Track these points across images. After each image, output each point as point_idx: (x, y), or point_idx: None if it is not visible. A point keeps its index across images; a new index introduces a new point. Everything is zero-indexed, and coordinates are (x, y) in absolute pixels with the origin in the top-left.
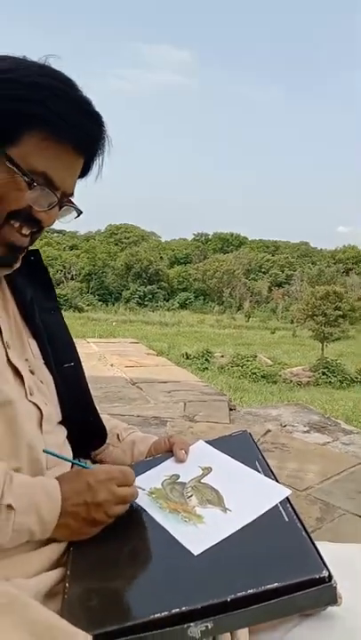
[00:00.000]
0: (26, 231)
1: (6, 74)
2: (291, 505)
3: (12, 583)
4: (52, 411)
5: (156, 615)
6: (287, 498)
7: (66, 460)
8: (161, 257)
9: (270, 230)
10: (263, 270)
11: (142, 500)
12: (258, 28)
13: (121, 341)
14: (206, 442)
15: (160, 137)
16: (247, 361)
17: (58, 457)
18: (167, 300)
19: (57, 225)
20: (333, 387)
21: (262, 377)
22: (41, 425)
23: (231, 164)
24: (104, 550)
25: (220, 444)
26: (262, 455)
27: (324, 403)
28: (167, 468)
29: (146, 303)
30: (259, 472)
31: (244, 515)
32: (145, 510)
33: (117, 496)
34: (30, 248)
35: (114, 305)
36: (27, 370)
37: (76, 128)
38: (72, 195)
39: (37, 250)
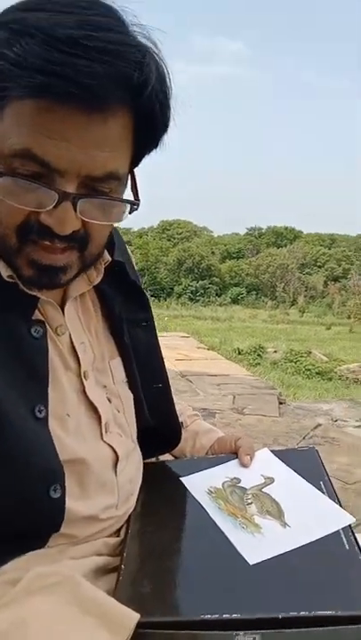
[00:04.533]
0: (46, 245)
1: None
2: (353, 533)
3: (62, 563)
4: (128, 443)
5: (207, 617)
6: (349, 525)
7: None
8: (213, 252)
9: (327, 223)
10: (319, 264)
11: (202, 497)
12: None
13: (172, 335)
14: (272, 451)
15: (212, 131)
16: (301, 357)
17: None
18: (219, 296)
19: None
20: None
21: (317, 373)
22: (115, 467)
23: (287, 156)
24: (161, 541)
25: (285, 456)
26: (328, 477)
27: None
28: (229, 469)
29: (198, 298)
30: (323, 493)
31: (303, 534)
32: (204, 508)
33: None
34: (116, 258)
35: (166, 300)
36: (104, 400)
37: (42, 73)
38: (111, 177)
39: (121, 262)
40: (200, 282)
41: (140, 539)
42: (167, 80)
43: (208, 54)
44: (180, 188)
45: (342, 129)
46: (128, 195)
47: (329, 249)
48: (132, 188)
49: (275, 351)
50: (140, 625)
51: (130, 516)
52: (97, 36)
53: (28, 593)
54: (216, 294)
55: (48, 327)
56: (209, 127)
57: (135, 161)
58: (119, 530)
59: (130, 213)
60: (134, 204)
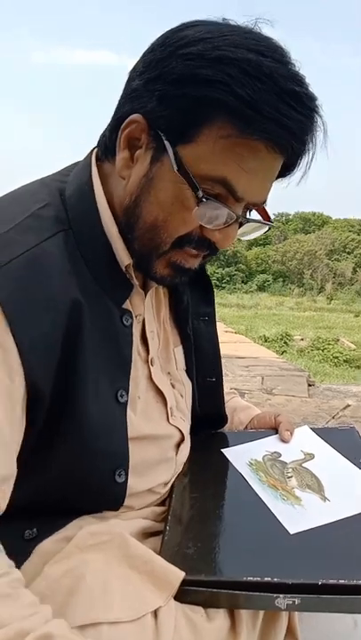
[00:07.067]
0: (194, 252)
1: (191, 46)
2: None
3: (112, 522)
4: (188, 426)
5: (249, 578)
6: None
7: None
8: (239, 239)
9: (356, 209)
10: (348, 251)
11: (243, 469)
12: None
13: None
14: (311, 429)
15: None
16: (328, 344)
17: None
18: (245, 283)
19: None
20: None
21: (345, 361)
22: (178, 447)
23: None
24: (204, 506)
25: (325, 433)
26: None
27: None
28: (269, 444)
29: (223, 285)
30: None
31: (342, 508)
32: (245, 479)
33: None
34: None
35: None
36: (168, 386)
37: (271, 121)
38: (264, 203)
39: None
40: (226, 269)
41: (184, 504)
42: None
43: None
44: None
45: None
46: None
47: (358, 234)
48: (262, 211)
49: (301, 339)
50: (184, 582)
51: (174, 484)
52: (306, 93)
53: (81, 550)
54: (242, 281)
55: (133, 316)
56: None
57: None
58: (164, 500)
59: (263, 233)
60: (271, 226)
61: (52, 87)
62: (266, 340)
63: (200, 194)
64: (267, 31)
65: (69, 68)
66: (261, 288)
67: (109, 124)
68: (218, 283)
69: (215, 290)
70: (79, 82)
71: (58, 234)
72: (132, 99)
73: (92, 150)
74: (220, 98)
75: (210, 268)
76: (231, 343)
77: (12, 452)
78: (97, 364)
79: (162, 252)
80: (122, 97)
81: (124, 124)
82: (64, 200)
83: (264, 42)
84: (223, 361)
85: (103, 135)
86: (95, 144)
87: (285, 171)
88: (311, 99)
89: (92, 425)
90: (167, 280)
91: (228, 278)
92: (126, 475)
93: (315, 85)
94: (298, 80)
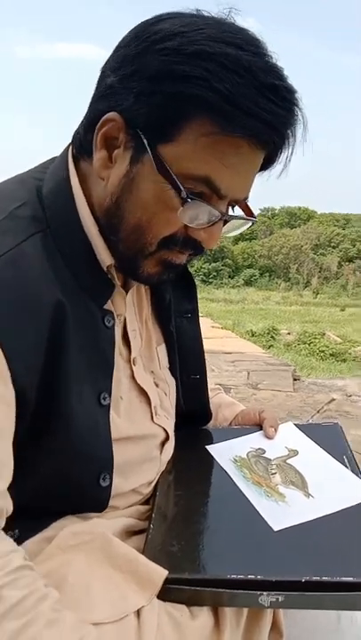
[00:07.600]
0: (181, 251)
1: (167, 41)
2: None
3: (94, 522)
4: (172, 425)
5: (233, 576)
6: None
7: None
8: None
9: (341, 203)
10: (333, 245)
11: (227, 466)
12: None
13: None
14: (296, 425)
15: None
16: (315, 338)
17: None
18: (232, 278)
19: None
20: None
21: (331, 355)
22: (163, 445)
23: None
24: (188, 504)
25: (309, 429)
26: (351, 451)
27: None
28: (253, 440)
29: (210, 280)
30: (346, 467)
31: (326, 505)
32: (230, 476)
33: None
34: None
35: None
36: (152, 385)
37: (251, 117)
38: (246, 199)
39: None
40: (213, 264)
41: (168, 502)
42: None
43: None
44: None
45: (353, 104)
46: None
47: (343, 229)
48: (244, 206)
49: (288, 333)
50: (167, 581)
51: (158, 481)
52: (286, 86)
53: (63, 550)
54: (229, 276)
55: (115, 316)
56: None
57: None
58: (149, 499)
59: (247, 228)
60: (254, 222)
61: (54, 85)
62: (253, 335)
63: (184, 194)
64: (261, 28)
65: (72, 62)
66: (248, 283)
67: (83, 122)
68: (205, 278)
69: (202, 285)
70: (82, 78)
71: (36, 234)
72: (107, 96)
73: (68, 146)
74: (198, 94)
75: (197, 263)
76: (218, 339)
77: (10, 448)
78: (80, 366)
79: (148, 253)
80: (95, 94)
81: (100, 123)
82: (41, 198)
83: (240, 34)
84: (209, 357)
85: (77, 132)
86: None
87: (266, 164)
88: (291, 91)
89: (78, 427)
90: (155, 279)
91: (214, 273)
92: (110, 479)
93: (314, 85)
94: (276, 73)
